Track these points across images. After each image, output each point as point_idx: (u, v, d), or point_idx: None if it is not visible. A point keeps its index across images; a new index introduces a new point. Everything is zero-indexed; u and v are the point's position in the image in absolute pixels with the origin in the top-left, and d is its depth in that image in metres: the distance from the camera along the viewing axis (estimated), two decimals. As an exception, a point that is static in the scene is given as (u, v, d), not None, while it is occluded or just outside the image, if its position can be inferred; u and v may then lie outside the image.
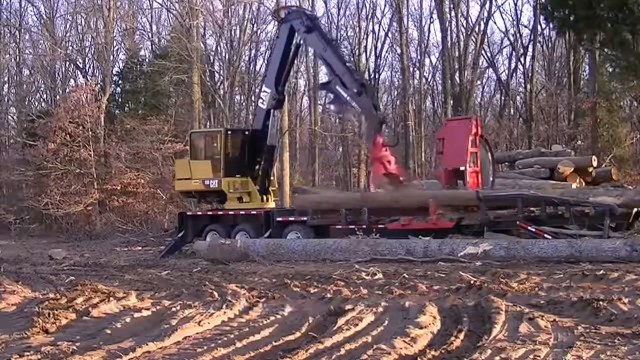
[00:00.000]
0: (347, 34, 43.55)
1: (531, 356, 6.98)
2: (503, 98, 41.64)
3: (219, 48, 41.96)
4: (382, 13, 46.74)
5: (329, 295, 11.66)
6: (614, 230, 18.29)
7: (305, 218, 21.06)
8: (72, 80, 43.28)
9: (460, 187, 20.30)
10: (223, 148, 22.58)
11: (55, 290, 12.80)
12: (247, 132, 23.62)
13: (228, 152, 22.69)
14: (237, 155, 22.96)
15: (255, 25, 38.78)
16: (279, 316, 9.23)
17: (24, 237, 32.70)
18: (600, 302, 9.33)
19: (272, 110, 22.98)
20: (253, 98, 25.64)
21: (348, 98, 21.19)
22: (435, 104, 44.81)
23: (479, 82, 41.99)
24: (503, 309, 8.97)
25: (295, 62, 40.85)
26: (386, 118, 22.85)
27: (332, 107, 24.81)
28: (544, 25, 37.16)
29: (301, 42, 23.02)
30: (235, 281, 14.17)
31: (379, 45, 43.20)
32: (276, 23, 24.45)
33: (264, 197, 22.84)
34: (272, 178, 23.81)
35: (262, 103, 23.16)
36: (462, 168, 20.15)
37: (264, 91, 23.22)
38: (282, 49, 22.82)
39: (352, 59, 42.86)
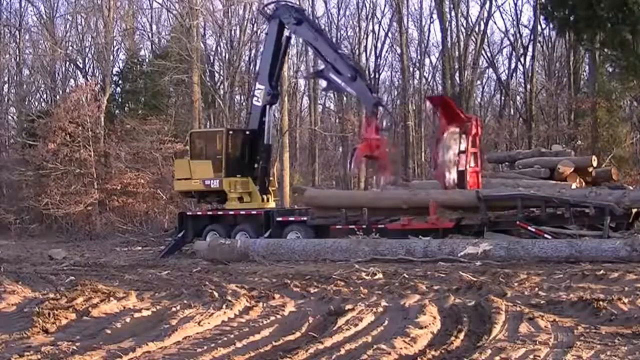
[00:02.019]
0: (347, 34, 43.65)
1: (531, 356, 6.98)
2: (503, 98, 41.66)
3: (219, 48, 42.02)
4: (382, 13, 46.76)
5: (329, 295, 11.67)
6: (614, 230, 18.28)
7: (305, 218, 21.07)
8: (72, 80, 43.31)
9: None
10: (224, 148, 22.57)
11: (55, 290, 12.81)
12: (247, 132, 23.64)
13: (229, 152, 22.70)
14: (237, 155, 22.98)
15: (255, 25, 38.77)
16: (279, 316, 9.23)
17: (24, 237, 32.69)
18: (600, 302, 9.33)
19: (267, 107, 23.06)
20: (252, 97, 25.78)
21: (342, 84, 21.47)
22: (435, 104, 44.78)
23: (479, 82, 42.06)
24: (503, 309, 8.98)
25: (295, 61, 41.24)
26: (382, 100, 23.23)
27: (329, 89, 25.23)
28: (544, 25, 37.20)
29: (291, 34, 23.26)
30: (235, 281, 14.17)
31: (379, 45, 43.29)
32: (265, 19, 24.60)
33: (264, 197, 22.85)
34: (271, 178, 23.83)
35: (257, 100, 23.23)
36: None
37: (258, 88, 23.32)
38: (272, 45, 22.99)
39: (352, 59, 43.00)
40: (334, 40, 37.90)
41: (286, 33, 22.95)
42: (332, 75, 21.54)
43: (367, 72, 41.77)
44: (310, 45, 23.73)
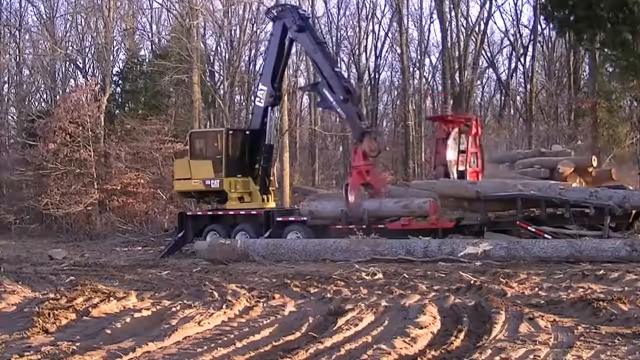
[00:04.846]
0: (347, 34, 43.65)
1: (531, 356, 6.98)
2: (503, 98, 41.67)
3: (219, 48, 42.05)
4: (382, 13, 46.80)
5: (329, 295, 11.68)
6: (614, 230, 18.30)
7: (305, 218, 21.08)
8: (72, 80, 43.33)
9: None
10: (225, 148, 22.57)
11: (55, 290, 12.80)
12: (247, 132, 23.66)
13: (229, 152, 22.70)
14: (238, 155, 22.97)
15: (255, 25, 38.80)
16: (279, 316, 9.23)
17: (24, 237, 32.69)
18: (600, 302, 9.33)
19: (269, 108, 23.07)
20: (253, 98, 25.76)
21: (334, 103, 21.45)
22: (435, 104, 44.83)
23: (479, 82, 42.05)
24: (503, 309, 8.98)
25: (295, 60, 41.18)
26: (370, 128, 22.92)
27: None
28: (544, 25, 37.22)
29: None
30: (235, 281, 14.18)
31: (379, 45, 43.30)
32: (270, 21, 24.55)
33: (265, 197, 22.86)
34: (271, 178, 23.84)
35: (260, 101, 23.25)
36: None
37: (261, 89, 23.33)
38: (276, 46, 22.98)
39: (352, 58, 43.05)
40: (334, 40, 37.98)
41: (289, 35, 22.92)
42: (325, 91, 21.51)
43: (367, 72, 41.86)
44: (308, 55, 23.64)
